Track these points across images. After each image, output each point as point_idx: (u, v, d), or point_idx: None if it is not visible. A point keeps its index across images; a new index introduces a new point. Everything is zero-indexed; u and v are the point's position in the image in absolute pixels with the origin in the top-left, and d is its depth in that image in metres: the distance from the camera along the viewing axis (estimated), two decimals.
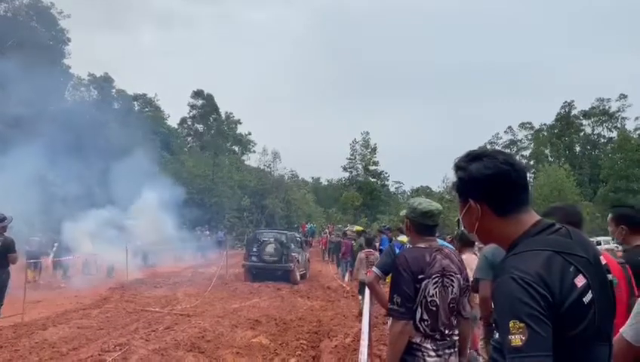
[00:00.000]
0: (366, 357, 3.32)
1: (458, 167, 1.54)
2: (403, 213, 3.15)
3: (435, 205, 3.07)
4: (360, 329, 4.76)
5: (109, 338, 7.48)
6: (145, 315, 9.57)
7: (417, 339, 2.78)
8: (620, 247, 3.49)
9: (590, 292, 1.31)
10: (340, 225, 38.50)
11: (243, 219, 40.78)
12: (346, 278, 17.58)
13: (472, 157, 1.51)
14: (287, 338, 8.00)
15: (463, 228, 1.62)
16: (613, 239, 3.45)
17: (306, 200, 51.42)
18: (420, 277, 2.75)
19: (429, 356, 2.77)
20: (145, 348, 6.87)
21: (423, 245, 2.93)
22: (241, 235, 33.17)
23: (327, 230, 34.72)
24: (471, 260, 5.35)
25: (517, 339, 1.20)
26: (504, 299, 1.28)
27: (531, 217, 1.45)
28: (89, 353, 6.58)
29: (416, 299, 2.74)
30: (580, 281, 1.30)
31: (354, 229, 23.52)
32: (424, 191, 57.88)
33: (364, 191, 56.84)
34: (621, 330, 1.91)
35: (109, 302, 11.09)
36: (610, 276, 1.43)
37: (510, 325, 1.22)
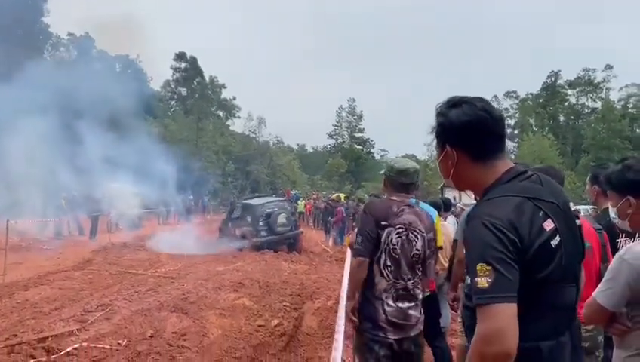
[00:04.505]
0: (344, 317, 3.37)
1: (438, 113, 1.55)
2: (382, 171, 3.25)
3: (411, 164, 3.18)
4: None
5: (91, 299, 7.49)
6: (128, 277, 9.57)
7: (382, 286, 2.93)
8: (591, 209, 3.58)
9: (558, 236, 1.35)
10: (324, 192, 38.67)
11: (227, 184, 40.64)
12: (330, 243, 17.76)
13: (453, 103, 1.52)
14: (270, 300, 8.08)
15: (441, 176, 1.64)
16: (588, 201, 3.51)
17: (291, 167, 51.28)
18: (382, 223, 2.91)
19: (388, 305, 2.91)
20: (128, 309, 6.89)
21: (394, 198, 3.05)
22: (225, 200, 33.15)
23: (313, 196, 34.92)
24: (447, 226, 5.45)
25: (483, 281, 1.25)
26: (474, 244, 1.33)
27: (505, 165, 1.48)
28: (71, 313, 6.59)
29: (379, 245, 2.91)
30: (549, 225, 1.34)
31: (335, 196, 23.68)
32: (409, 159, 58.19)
33: (350, 159, 56.96)
34: (594, 294, 1.96)
35: (91, 265, 11.06)
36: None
37: (478, 268, 1.26)
